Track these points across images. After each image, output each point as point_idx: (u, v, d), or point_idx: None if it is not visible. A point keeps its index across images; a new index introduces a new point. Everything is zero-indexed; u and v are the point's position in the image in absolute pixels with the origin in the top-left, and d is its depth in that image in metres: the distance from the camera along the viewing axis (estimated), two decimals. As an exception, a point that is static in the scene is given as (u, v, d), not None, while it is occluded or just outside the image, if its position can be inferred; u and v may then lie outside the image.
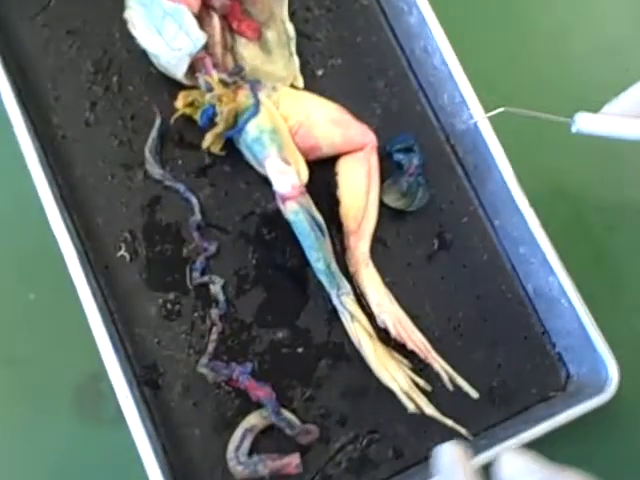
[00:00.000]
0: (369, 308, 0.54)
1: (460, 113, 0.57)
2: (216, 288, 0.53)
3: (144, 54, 0.56)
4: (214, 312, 0.52)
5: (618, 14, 0.66)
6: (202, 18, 0.55)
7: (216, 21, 0.56)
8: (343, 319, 0.53)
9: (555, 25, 0.65)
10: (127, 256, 0.53)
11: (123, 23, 0.55)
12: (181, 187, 0.55)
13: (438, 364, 0.53)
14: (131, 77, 0.57)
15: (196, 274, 0.53)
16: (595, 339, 0.53)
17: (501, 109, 0.51)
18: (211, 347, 0.51)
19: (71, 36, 0.57)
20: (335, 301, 0.53)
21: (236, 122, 0.54)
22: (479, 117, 0.52)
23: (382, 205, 0.56)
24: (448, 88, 0.57)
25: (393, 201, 0.57)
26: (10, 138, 0.51)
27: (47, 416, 0.51)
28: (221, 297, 0.53)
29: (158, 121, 0.55)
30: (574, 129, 0.49)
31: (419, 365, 0.53)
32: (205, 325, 0.53)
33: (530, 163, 0.56)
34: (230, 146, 0.55)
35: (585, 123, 0.49)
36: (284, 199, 0.52)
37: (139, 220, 0.54)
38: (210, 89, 0.53)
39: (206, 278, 0.53)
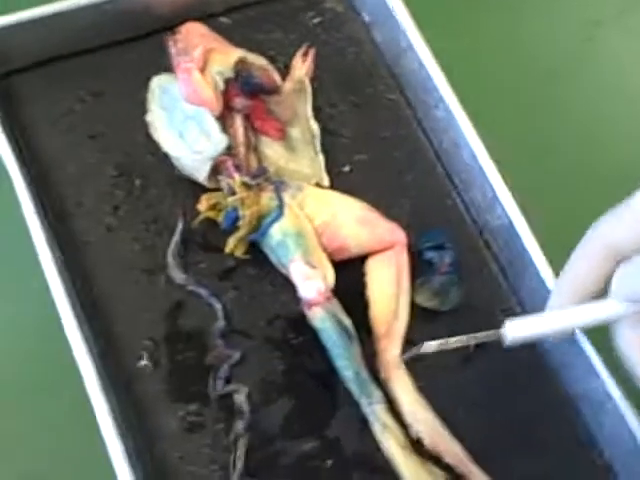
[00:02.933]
0: (402, 415, 0.51)
1: (493, 209, 0.55)
2: (241, 398, 0.50)
3: (166, 157, 0.55)
4: (239, 424, 0.50)
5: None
6: (224, 119, 0.54)
7: (239, 122, 0.55)
8: (374, 429, 0.50)
9: (590, 113, 0.63)
10: (149, 366, 0.51)
11: (145, 126, 0.55)
12: (204, 292, 0.53)
13: (478, 478, 0.49)
14: (153, 180, 0.56)
15: (219, 383, 0.51)
16: (647, 447, 0.49)
17: (420, 347, 0.48)
18: (240, 464, 0.48)
19: (93, 140, 0.56)
20: (366, 410, 0.50)
21: (260, 225, 0.52)
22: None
23: (413, 305, 0.54)
24: (479, 183, 0.55)
25: (425, 301, 0.54)
26: (28, 245, 0.50)
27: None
28: (246, 407, 0.50)
29: (180, 225, 0.54)
30: (507, 341, 0.45)
31: (457, 479, 0.50)
32: (228, 438, 0.50)
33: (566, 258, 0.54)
34: (254, 248, 0.54)
35: (516, 331, 0.44)
36: (310, 305, 0.50)
37: (161, 327, 0.52)
38: (233, 192, 0.52)
39: (230, 388, 0.51)
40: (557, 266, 0.52)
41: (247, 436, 0.49)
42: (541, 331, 0.45)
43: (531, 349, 0.54)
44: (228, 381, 0.51)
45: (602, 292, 0.45)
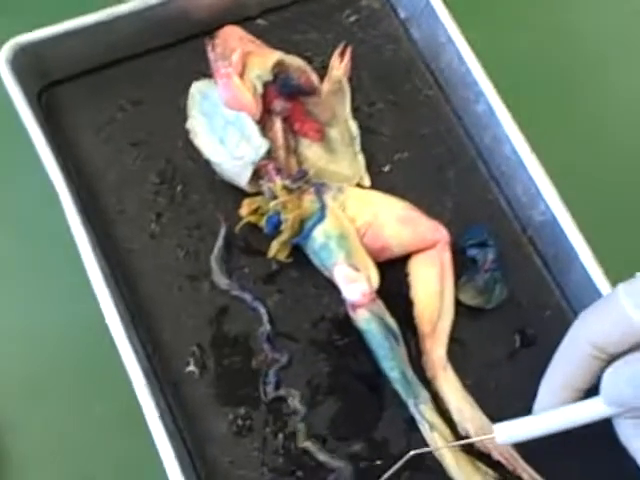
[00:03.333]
0: (449, 414, 0.51)
1: (536, 204, 0.54)
2: (294, 401, 0.51)
3: (207, 163, 0.55)
4: (300, 425, 0.50)
5: None
6: (264, 122, 0.55)
7: (278, 125, 0.55)
8: (422, 429, 0.50)
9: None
10: (196, 371, 0.52)
11: (186, 133, 0.55)
12: (248, 297, 0.53)
13: (528, 475, 0.49)
14: (195, 186, 0.56)
15: (269, 388, 0.51)
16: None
17: (411, 453, 0.46)
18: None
19: (135, 148, 0.57)
20: (413, 410, 0.50)
21: (302, 228, 0.52)
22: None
23: (458, 303, 0.54)
24: (521, 178, 0.55)
25: (469, 299, 0.54)
26: (73, 253, 0.51)
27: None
28: (301, 409, 0.50)
29: (223, 230, 0.54)
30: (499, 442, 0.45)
31: (507, 476, 0.50)
32: (277, 440, 0.50)
33: (614, 251, 0.53)
34: (297, 250, 0.54)
35: (505, 434, 0.44)
36: (354, 307, 0.50)
37: (207, 333, 0.53)
38: (274, 196, 0.52)
39: (282, 392, 0.51)
40: (603, 259, 0.52)
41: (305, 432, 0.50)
42: (531, 433, 0.44)
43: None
44: (278, 384, 0.51)
45: (592, 387, 0.44)
